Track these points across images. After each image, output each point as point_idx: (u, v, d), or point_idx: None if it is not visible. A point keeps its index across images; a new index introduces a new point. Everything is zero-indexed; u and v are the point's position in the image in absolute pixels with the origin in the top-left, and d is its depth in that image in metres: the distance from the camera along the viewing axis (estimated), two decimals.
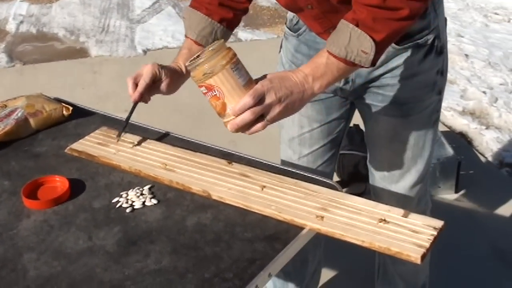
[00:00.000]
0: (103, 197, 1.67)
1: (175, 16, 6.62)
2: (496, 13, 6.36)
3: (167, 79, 1.85)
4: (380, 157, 2.18)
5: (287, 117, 1.66)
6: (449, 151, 3.65)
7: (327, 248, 2.48)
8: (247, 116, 1.58)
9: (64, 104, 2.06)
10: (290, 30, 2.08)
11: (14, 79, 5.21)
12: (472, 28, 5.97)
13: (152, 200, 1.63)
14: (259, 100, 1.57)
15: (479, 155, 4.07)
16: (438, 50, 1.95)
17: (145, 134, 1.92)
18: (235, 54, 1.61)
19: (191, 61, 1.60)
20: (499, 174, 3.89)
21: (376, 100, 2.01)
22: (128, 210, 1.60)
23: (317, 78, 1.64)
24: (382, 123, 2.07)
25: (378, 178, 2.21)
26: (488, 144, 4.17)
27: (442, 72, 2.01)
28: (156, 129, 1.96)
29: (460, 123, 4.42)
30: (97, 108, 2.14)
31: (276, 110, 1.60)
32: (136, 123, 1.99)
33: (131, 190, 1.68)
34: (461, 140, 4.22)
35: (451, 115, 4.51)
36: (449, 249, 3.11)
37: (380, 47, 1.62)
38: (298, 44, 2.06)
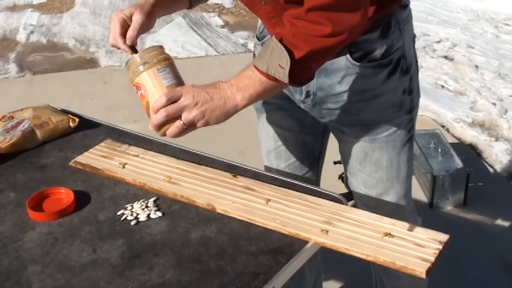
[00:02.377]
0: (108, 210, 1.67)
1: (185, 26, 6.63)
2: (507, 24, 6.33)
3: (139, 15, 1.80)
4: (355, 179, 2.12)
5: (211, 124, 1.69)
6: (458, 163, 3.63)
7: (328, 259, 2.47)
8: (160, 114, 1.64)
9: (70, 116, 2.07)
10: (257, 38, 2.08)
11: (24, 89, 5.23)
12: (482, 39, 5.95)
13: (157, 212, 1.63)
14: (175, 101, 1.63)
15: (488, 167, 4.05)
16: (404, 69, 1.89)
17: (150, 146, 1.92)
18: (168, 59, 1.70)
19: (127, 59, 1.72)
20: (508, 187, 3.87)
21: (343, 122, 1.97)
22: (133, 223, 1.60)
23: (240, 89, 1.66)
24: (351, 145, 2.02)
25: (357, 200, 2.15)
26: (497, 156, 4.15)
27: (410, 92, 1.95)
28: (160, 141, 1.95)
29: (470, 135, 4.40)
30: (107, 119, 2.15)
31: (192, 113, 1.63)
32: (141, 135, 1.99)
33: (136, 202, 1.68)
34: (470, 152, 4.20)
35: (460, 126, 4.49)
36: (456, 261, 3.10)
37: (299, 64, 1.60)
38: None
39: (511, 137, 4.36)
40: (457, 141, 4.32)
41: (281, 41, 1.59)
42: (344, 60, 1.82)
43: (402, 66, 1.88)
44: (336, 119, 1.97)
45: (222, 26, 6.62)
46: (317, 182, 2.28)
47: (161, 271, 1.43)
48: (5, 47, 6.23)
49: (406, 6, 1.90)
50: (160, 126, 1.66)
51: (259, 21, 2.04)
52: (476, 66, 5.35)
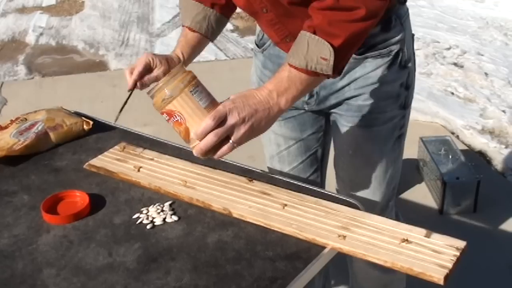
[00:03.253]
0: (123, 213, 1.66)
1: None
2: None
3: (162, 66, 1.87)
4: (344, 175, 2.15)
5: (256, 136, 1.64)
6: (469, 169, 3.63)
7: (337, 264, 2.46)
8: (210, 139, 1.55)
9: (84, 119, 2.06)
10: (257, 45, 2.09)
11: (33, 91, 5.24)
12: (492, 46, 5.94)
13: (173, 216, 1.62)
14: (222, 121, 1.54)
15: (498, 174, 4.04)
16: (402, 63, 1.93)
17: (164, 150, 1.92)
18: (194, 77, 1.58)
19: (150, 88, 1.59)
20: None
21: (341, 109, 2.00)
22: (148, 227, 1.59)
23: (282, 93, 1.61)
24: (346, 135, 2.03)
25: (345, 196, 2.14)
26: (507, 163, 4.14)
27: (407, 87, 1.99)
28: (175, 145, 1.95)
29: (479, 142, 4.39)
30: (117, 122, 2.14)
31: (241, 130, 1.57)
32: (156, 138, 1.99)
33: (152, 206, 1.67)
34: (480, 159, 4.19)
35: (470, 133, 4.48)
36: (466, 268, 3.08)
37: (340, 52, 1.59)
38: (264, 60, 2.07)
39: None
40: (466, 148, 4.31)
41: (315, 34, 1.58)
42: None
43: (402, 59, 1.92)
44: (337, 109, 2.01)
45: (232, 31, 6.62)
46: (322, 184, 2.29)
47: (178, 275, 1.42)
48: (14, 49, 6.24)
49: (404, 1, 1.94)
50: (209, 151, 1.59)
51: (258, 28, 2.05)
52: (486, 74, 5.35)
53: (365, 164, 2.07)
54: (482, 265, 3.16)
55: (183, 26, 1.98)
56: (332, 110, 2.03)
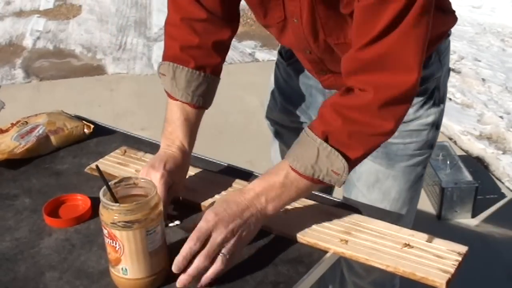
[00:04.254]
0: None
1: None
2: None
3: (179, 179, 1.65)
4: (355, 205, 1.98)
5: (247, 242, 1.47)
6: (467, 175, 3.64)
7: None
8: (200, 263, 1.37)
9: (85, 122, 2.06)
10: (281, 56, 2.02)
11: (30, 95, 5.24)
12: (489, 52, 5.95)
13: (175, 221, 1.62)
14: (205, 239, 1.38)
15: (495, 180, 4.05)
16: (437, 101, 1.83)
17: None
18: (160, 213, 1.37)
19: (107, 197, 1.35)
20: None
21: None
22: None
23: (271, 199, 1.46)
24: (365, 166, 1.86)
25: None
26: (504, 169, 4.15)
27: (438, 126, 1.88)
28: None
29: (477, 148, 4.40)
30: (114, 126, 2.14)
31: (231, 242, 1.40)
32: (156, 142, 1.99)
33: None
34: (477, 165, 4.21)
35: (467, 139, 4.49)
36: (464, 273, 3.08)
37: (355, 164, 1.48)
38: (286, 72, 2.00)
39: None
40: (464, 153, 4.32)
41: (326, 140, 1.44)
42: None
43: (436, 96, 1.83)
44: None
45: None
46: (331, 191, 2.25)
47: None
48: (11, 52, 6.24)
49: (448, 35, 1.84)
50: (199, 275, 1.39)
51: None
52: (483, 79, 5.36)
53: (383, 200, 1.93)
54: (479, 271, 3.17)
55: (173, 98, 1.72)
56: None
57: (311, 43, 1.67)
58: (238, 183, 1.75)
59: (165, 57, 1.75)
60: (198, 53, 1.72)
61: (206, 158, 1.90)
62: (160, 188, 1.52)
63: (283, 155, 2.12)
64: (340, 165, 1.43)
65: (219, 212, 1.41)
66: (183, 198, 1.69)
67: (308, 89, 1.97)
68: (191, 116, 1.70)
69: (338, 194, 1.94)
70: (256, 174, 1.81)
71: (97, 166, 1.42)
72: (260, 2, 1.65)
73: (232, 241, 1.40)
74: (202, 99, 1.72)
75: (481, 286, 3.10)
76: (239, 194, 1.47)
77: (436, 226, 3.51)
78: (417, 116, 1.82)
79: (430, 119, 1.84)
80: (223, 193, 1.71)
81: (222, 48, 1.78)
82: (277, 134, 2.16)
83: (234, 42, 6.54)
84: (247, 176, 1.81)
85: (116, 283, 1.41)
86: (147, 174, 1.56)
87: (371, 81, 1.42)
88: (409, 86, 1.42)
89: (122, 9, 7.41)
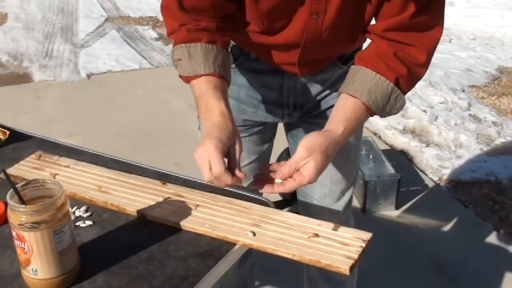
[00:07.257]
0: None
1: (119, 40, 6.63)
2: None
3: (233, 141, 1.65)
4: (324, 174, 2.11)
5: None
6: (389, 168, 3.72)
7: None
8: (292, 185, 1.62)
9: (0, 129, 2.06)
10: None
11: None
12: None
13: (87, 221, 1.64)
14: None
15: (419, 172, 4.15)
16: None
17: (81, 157, 1.93)
18: (67, 213, 1.38)
19: (15, 199, 1.38)
20: (439, 190, 3.97)
21: (322, 116, 1.99)
22: None
23: (349, 131, 1.71)
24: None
25: (318, 197, 2.19)
26: (428, 161, 4.25)
27: None
28: (92, 152, 1.97)
29: (401, 141, 4.50)
30: (41, 133, 2.14)
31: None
32: (73, 146, 2.00)
33: None
34: (401, 158, 4.30)
35: (391, 133, 4.59)
36: (389, 263, 3.16)
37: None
38: (234, 75, 1.97)
39: (441, 143, 4.47)
40: (388, 147, 4.41)
41: (398, 85, 1.72)
42: (333, 68, 1.92)
43: None
44: (314, 118, 2.03)
45: (156, 39, 6.64)
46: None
47: (91, 277, 1.44)
48: None
49: None
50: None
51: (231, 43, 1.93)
52: None
53: (346, 161, 2.12)
54: (403, 259, 3.25)
55: (196, 76, 1.73)
56: (310, 120, 2.04)
57: (324, 36, 1.76)
58: (153, 183, 1.78)
59: (176, 41, 1.78)
60: (207, 31, 1.75)
61: (132, 163, 1.92)
62: (216, 158, 1.55)
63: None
64: (401, 102, 1.75)
65: (317, 159, 1.63)
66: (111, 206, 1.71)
67: (258, 84, 2.01)
68: (218, 85, 1.71)
69: None
70: (182, 177, 1.84)
71: (3, 169, 1.43)
72: (275, 6, 1.71)
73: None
74: (223, 69, 1.73)
75: (405, 274, 3.17)
76: (329, 133, 1.69)
77: (361, 219, 3.56)
78: None
79: None
80: (139, 194, 1.73)
81: (230, 22, 1.80)
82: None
83: (161, 45, 6.50)
84: (162, 176, 1.84)
85: (28, 284, 1.42)
86: (200, 154, 1.58)
87: (419, 38, 1.76)
88: (440, 36, 1.78)
89: (49, 16, 7.35)
